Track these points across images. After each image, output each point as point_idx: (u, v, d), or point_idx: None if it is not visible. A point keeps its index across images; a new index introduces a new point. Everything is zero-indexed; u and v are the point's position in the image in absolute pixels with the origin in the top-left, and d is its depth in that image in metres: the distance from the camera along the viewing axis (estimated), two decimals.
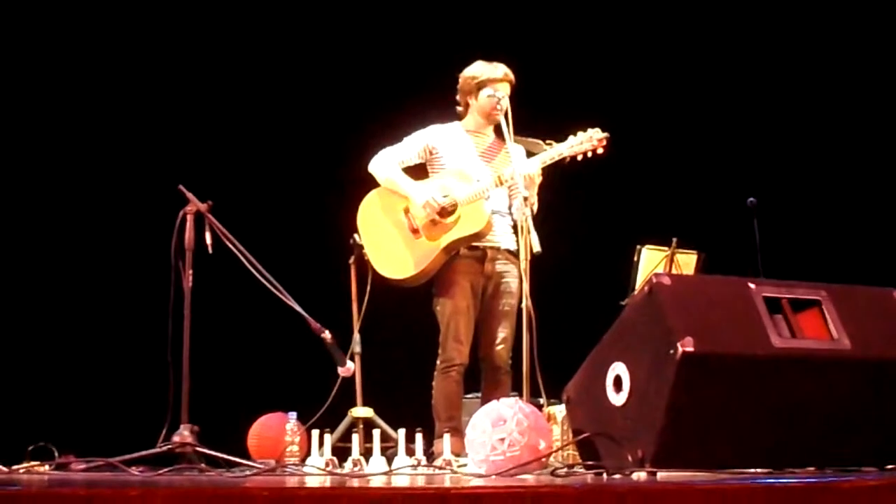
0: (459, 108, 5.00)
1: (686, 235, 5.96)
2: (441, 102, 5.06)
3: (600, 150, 4.71)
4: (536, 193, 4.73)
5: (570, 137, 4.73)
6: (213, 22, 6.73)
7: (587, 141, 4.71)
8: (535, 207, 4.74)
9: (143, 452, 3.93)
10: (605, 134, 4.72)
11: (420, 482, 3.55)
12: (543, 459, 3.64)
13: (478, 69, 4.90)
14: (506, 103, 4.76)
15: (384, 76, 6.84)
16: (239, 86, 6.75)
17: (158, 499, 2.31)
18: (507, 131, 4.68)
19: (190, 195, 4.27)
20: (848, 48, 7.10)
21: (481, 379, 4.83)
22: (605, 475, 3.31)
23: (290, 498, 2.44)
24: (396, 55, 6.86)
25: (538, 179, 4.73)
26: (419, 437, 4.30)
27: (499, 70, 4.87)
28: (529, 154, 4.82)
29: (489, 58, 4.92)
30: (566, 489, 2.61)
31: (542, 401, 4.58)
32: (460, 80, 4.95)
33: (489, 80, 4.85)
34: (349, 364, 4.47)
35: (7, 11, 6.23)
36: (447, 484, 3.15)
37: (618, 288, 5.94)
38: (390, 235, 4.83)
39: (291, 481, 3.52)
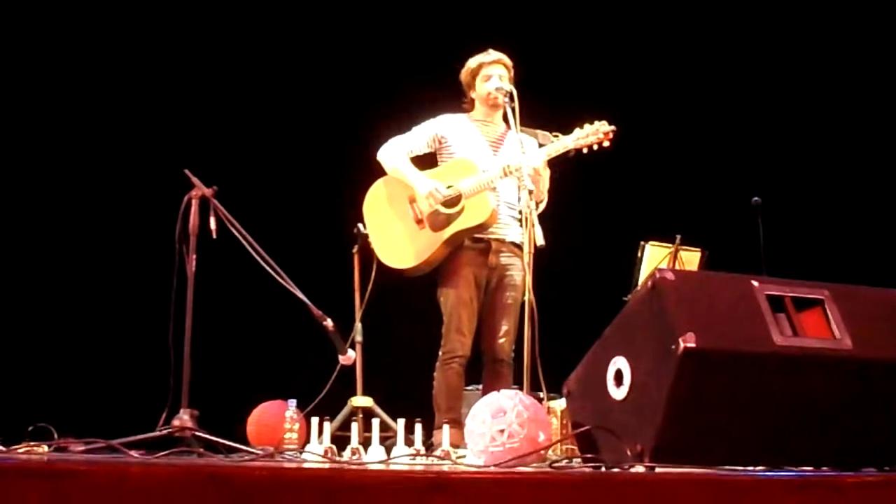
0: (465, 105, 5.01)
1: (690, 232, 5.95)
2: (450, 93, 5.06)
3: (606, 143, 4.70)
4: (547, 189, 4.74)
5: (577, 130, 4.72)
6: (220, 6, 6.73)
7: (593, 133, 4.70)
8: (545, 201, 4.74)
9: (143, 436, 3.92)
10: (612, 127, 4.71)
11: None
12: (542, 452, 3.64)
13: (471, 60, 4.96)
14: (506, 85, 4.77)
15: (394, 65, 6.84)
16: (247, 72, 6.75)
17: (159, 477, 2.30)
18: (513, 117, 4.67)
19: (195, 180, 4.26)
20: (852, 47, 7.10)
21: (482, 371, 4.83)
22: (603, 468, 3.31)
23: (288, 479, 2.44)
24: (406, 44, 6.85)
25: (545, 173, 4.73)
26: (418, 427, 4.29)
27: (491, 54, 4.92)
28: (539, 146, 4.82)
29: (497, 49, 4.95)
30: (562, 478, 2.60)
31: (542, 394, 4.58)
32: (461, 79, 4.97)
33: (482, 65, 4.90)
34: (350, 352, 4.47)
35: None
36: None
37: (621, 283, 5.93)
38: (395, 224, 4.84)
39: (289, 467, 3.50)
